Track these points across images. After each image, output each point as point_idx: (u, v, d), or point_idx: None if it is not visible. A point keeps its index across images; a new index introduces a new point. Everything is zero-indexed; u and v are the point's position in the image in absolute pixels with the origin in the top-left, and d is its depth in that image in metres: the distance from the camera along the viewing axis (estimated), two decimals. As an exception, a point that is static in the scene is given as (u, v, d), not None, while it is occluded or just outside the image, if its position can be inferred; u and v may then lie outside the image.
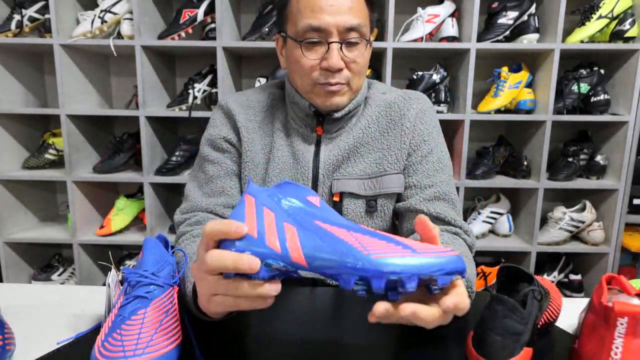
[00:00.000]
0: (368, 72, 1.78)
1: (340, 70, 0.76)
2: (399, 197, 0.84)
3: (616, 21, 1.67)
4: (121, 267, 1.92)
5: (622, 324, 0.49)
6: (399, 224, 0.87)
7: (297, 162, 0.83)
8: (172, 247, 0.70)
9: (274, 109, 0.88)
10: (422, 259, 0.41)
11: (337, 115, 0.81)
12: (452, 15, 1.73)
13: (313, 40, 0.74)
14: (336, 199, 0.82)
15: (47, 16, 1.72)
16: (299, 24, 0.74)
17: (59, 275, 1.92)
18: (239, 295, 0.46)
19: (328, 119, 0.82)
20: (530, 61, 1.82)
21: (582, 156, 1.80)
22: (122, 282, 0.62)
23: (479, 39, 1.67)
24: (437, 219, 0.79)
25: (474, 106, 1.82)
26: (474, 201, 1.97)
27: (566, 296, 1.83)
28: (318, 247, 0.43)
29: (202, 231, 0.46)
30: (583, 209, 1.81)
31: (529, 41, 1.68)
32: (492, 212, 1.87)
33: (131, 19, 1.68)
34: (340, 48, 0.74)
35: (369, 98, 0.87)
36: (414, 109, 0.83)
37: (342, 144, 0.83)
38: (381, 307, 0.42)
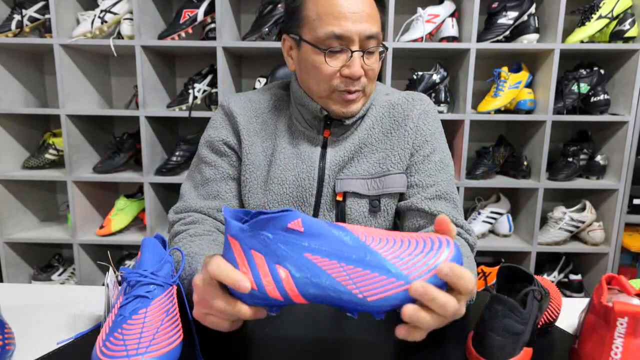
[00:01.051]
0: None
1: (359, 77, 0.76)
2: (401, 197, 0.85)
3: (616, 21, 1.67)
4: (120, 267, 1.92)
5: (622, 324, 0.49)
6: (400, 222, 0.87)
7: (303, 163, 0.82)
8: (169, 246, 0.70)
9: (277, 111, 0.88)
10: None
11: (349, 122, 0.81)
12: (452, 15, 1.73)
13: (336, 50, 0.74)
14: (339, 198, 0.82)
15: (47, 16, 1.72)
16: (319, 30, 0.74)
17: (59, 275, 1.92)
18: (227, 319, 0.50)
19: (336, 123, 0.82)
20: (530, 61, 1.82)
21: (582, 156, 1.80)
22: (120, 282, 0.62)
23: (479, 39, 1.67)
24: None
25: (474, 106, 1.82)
26: (474, 201, 1.97)
27: (566, 296, 1.83)
28: (315, 290, 0.45)
29: (206, 268, 0.48)
30: (583, 209, 1.81)
31: (529, 41, 1.68)
32: (492, 212, 1.87)
33: (131, 19, 1.68)
34: (362, 56, 0.75)
35: (373, 99, 0.87)
36: (417, 110, 0.84)
37: (348, 145, 0.83)
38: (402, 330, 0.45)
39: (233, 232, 0.47)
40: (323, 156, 0.83)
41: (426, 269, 0.43)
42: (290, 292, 0.46)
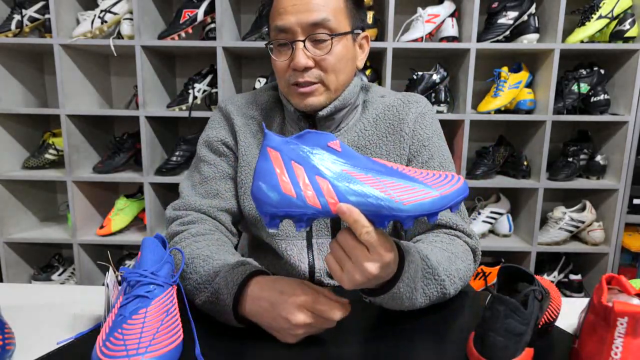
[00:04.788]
0: (368, 72, 1.78)
1: (309, 68, 0.74)
2: None
3: (616, 21, 1.67)
4: (120, 267, 1.92)
5: (622, 324, 0.48)
6: (400, 228, 0.87)
7: None
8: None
9: (272, 112, 0.87)
10: (440, 198, 0.50)
11: (322, 113, 0.78)
12: (452, 15, 1.73)
13: (281, 42, 0.74)
14: None
15: (47, 16, 1.72)
16: (271, 29, 0.76)
17: (59, 275, 1.92)
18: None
19: (317, 118, 0.80)
20: (530, 61, 1.82)
21: (582, 156, 1.80)
22: (120, 282, 0.62)
23: (479, 39, 1.67)
24: (438, 226, 0.78)
25: (474, 106, 1.82)
26: (474, 201, 1.97)
27: (566, 296, 1.83)
28: (355, 197, 0.49)
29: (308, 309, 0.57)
30: (583, 209, 1.81)
31: (529, 41, 1.68)
32: (492, 212, 1.87)
33: (131, 19, 1.68)
34: (305, 46, 0.73)
35: (367, 102, 0.85)
36: (413, 113, 0.82)
37: None
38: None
39: (274, 144, 0.51)
40: None
41: (448, 186, 0.51)
42: (329, 200, 0.49)
